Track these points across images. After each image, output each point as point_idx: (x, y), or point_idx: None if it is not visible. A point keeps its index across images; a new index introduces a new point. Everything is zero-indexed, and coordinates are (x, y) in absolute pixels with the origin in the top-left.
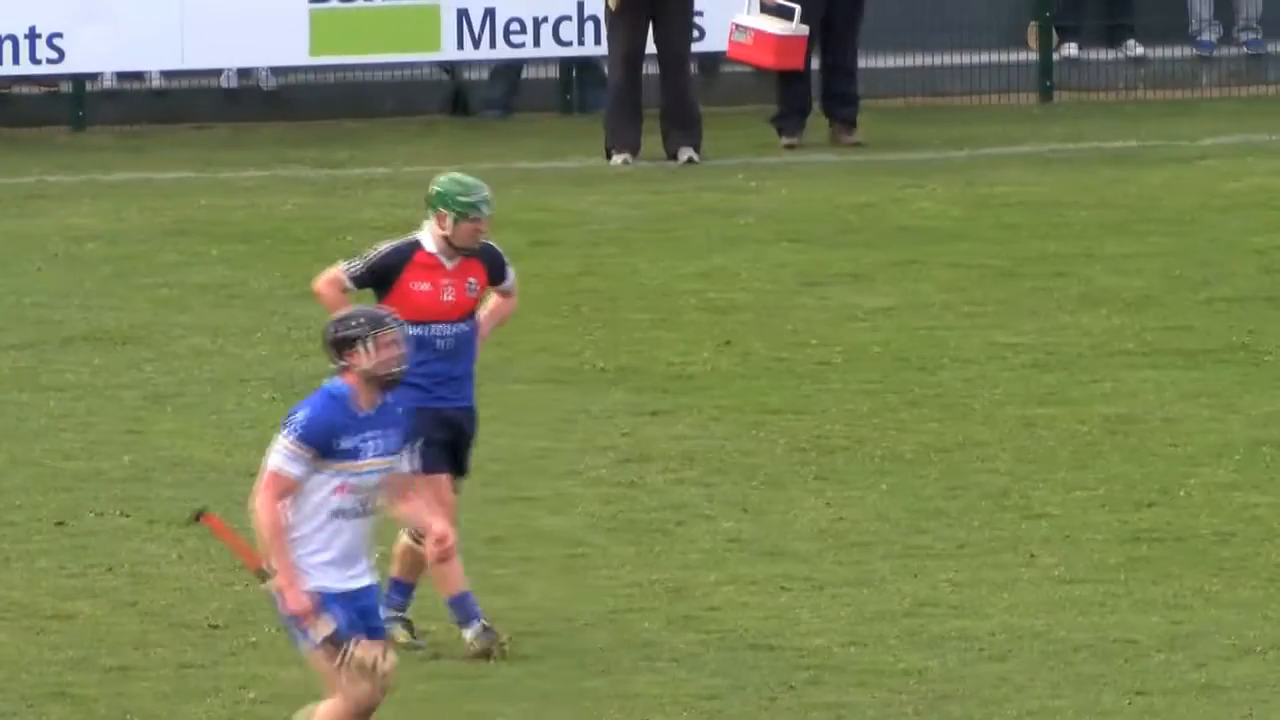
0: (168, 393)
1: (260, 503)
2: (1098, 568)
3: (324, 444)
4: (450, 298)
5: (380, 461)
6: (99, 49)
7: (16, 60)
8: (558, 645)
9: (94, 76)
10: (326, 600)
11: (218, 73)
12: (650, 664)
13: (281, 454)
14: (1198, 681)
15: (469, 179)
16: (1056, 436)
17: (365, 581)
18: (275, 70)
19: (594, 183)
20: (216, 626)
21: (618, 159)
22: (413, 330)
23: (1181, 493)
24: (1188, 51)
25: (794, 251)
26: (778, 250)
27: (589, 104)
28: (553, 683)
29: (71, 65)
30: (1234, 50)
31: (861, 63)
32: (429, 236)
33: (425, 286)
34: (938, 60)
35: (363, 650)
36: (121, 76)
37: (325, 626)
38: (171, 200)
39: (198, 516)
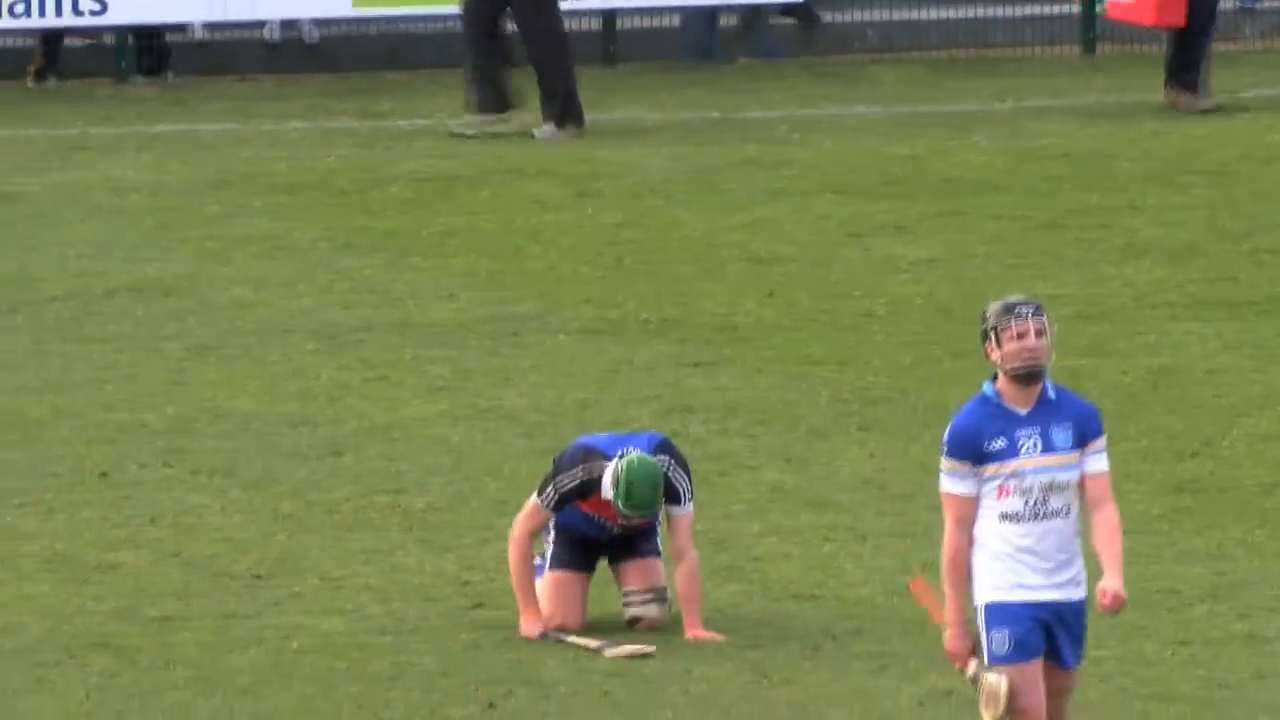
0: (211, 344)
1: (946, 530)
2: (1141, 518)
3: (973, 450)
4: (619, 529)
5: (1043, 460)
6: (142, 1)
7: (60, 13)
8: (599, 596)
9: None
10: (996, 616)
11: (261, 25)
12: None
13: (942, 476)
14: (1241, 632)
15: (637, 483)
16: (1099, 387)
17: (1051, 596)
18: (318, 22)
19: (637, 134)
20: (259, 577)
21: (467, 121)
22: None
23: (1225, 444)
24: (1231, 3)
25: (837, 203)
26: (821, 202)
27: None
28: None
29: (114, 17)
30: (1277, 2)
31: (907, 15)
32: (609, 486)
33: (598, 518)
34: (982, 12)
35: (994, 682)
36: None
37: (972, 668)
38: (214, 152)
39: (911, 585)
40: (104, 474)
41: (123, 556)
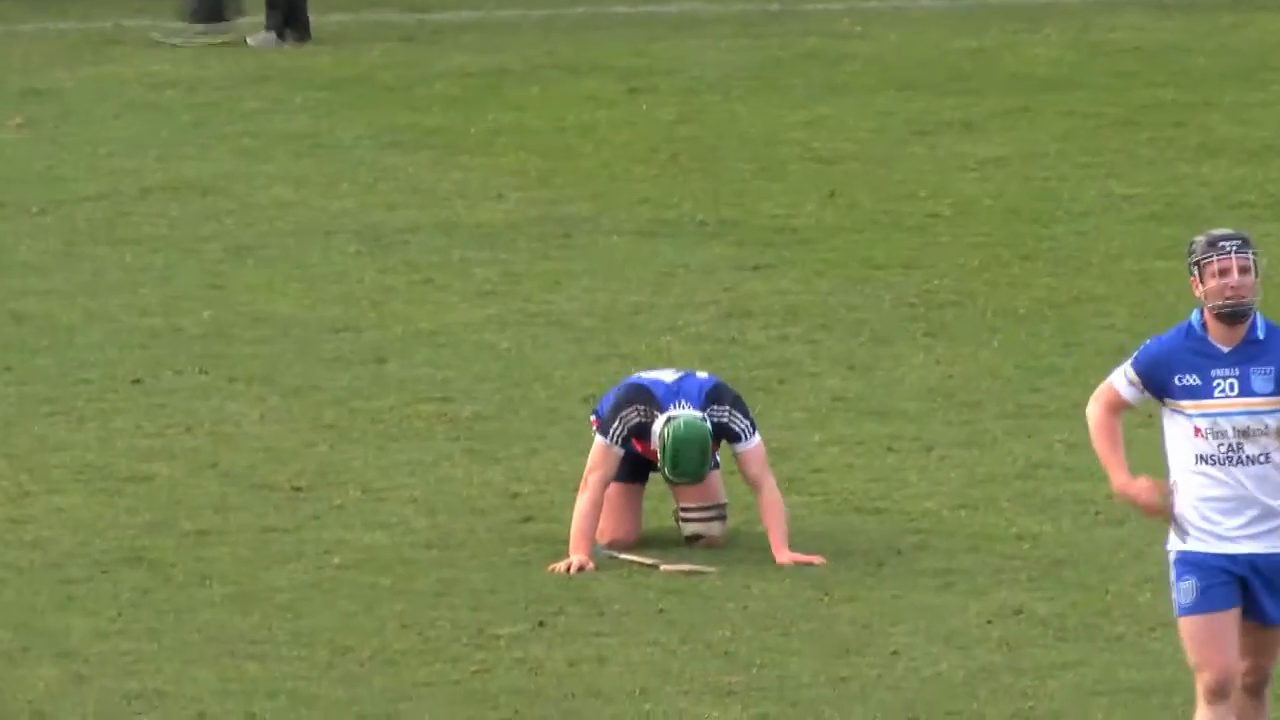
0: (249, 245)
1: (1092, 409)
2: None
3: (1155, 376)
4: None
5: (1238, 403)
6: None
7: None
8: (655, 510)
9: None
10: (1184, 565)
11: None
12: (752, 528)
13: (1117, 371)
14: None
15: (684, 451)
16: (1175, 291)
17: (1249, 548)
18: None
19: (694, 28)
20: (299, 489)
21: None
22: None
23: None
24: None
25: (902, 99)
26: (885, 98)
27: None
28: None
29: None
30: None
31: None
32: (656, 448)
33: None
34: None
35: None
36: None
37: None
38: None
39: None
40: (137, 381)
41: (157, 467)
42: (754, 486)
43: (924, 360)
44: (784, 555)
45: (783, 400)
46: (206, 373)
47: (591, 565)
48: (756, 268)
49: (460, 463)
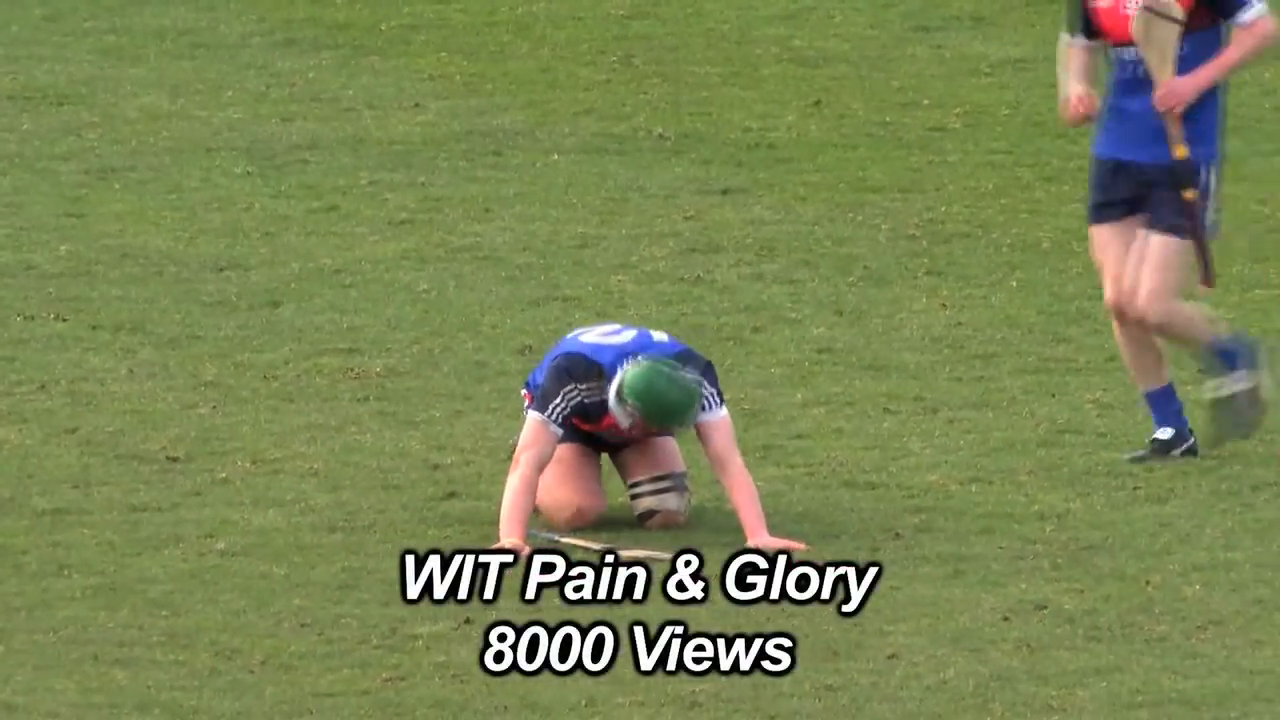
0: (115, 166)
1: None
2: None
3: None
4: (621, 441)
5: None
6: None
7: None
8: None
9: None
10: None
11: None
12: (720, 505)
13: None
14: None
15: (670, 398)
16: (1231, 220)
17: None
18: None
19: None
20: (176, 459)
21: None
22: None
23: None
24: None
25: None
26: None
27: None
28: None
29: None
30: None
31: None
32: (618, 408)
33: (598, 433)
34: None
35: None
36: None
37: None
38: None
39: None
40: None
41: (4, 433)
42: (718, 464)
43: (927, 304)
44: (760, 539)
45: (757, 352)
46: (64, 319)
47: (527, 551)
48: (726, 191)
49: (370, 428)
